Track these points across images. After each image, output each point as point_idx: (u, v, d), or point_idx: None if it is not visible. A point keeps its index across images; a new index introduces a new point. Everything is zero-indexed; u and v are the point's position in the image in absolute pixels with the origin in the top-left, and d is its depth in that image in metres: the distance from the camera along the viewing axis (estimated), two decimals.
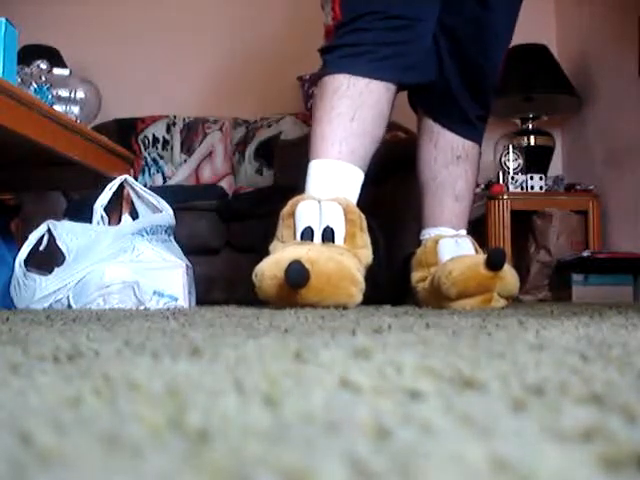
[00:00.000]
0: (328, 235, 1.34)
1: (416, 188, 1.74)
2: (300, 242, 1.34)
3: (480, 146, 1.75)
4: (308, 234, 1.34)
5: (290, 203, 1.39)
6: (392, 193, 2.36)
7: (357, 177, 1.44)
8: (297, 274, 1.19)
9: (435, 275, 1.47)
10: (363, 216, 1.40)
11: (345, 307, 1.25)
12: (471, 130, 1.69)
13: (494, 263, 1.40)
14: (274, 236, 1.40)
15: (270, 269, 1.25)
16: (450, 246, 1.57)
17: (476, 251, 1.58)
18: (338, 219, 1.34)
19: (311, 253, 1.25)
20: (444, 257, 1.54)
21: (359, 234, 1.37)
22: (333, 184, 1.40)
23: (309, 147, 1.45)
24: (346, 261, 1.28)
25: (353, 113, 1.43)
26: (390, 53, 1.46)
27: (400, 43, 1.47)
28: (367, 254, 1.39)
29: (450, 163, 1.67)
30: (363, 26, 1.45)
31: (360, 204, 1.43)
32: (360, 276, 1.30)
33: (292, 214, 1.36)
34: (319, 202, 1.36)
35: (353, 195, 1.42)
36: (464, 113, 1.68)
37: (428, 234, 1.65)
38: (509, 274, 1.45)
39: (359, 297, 1.29)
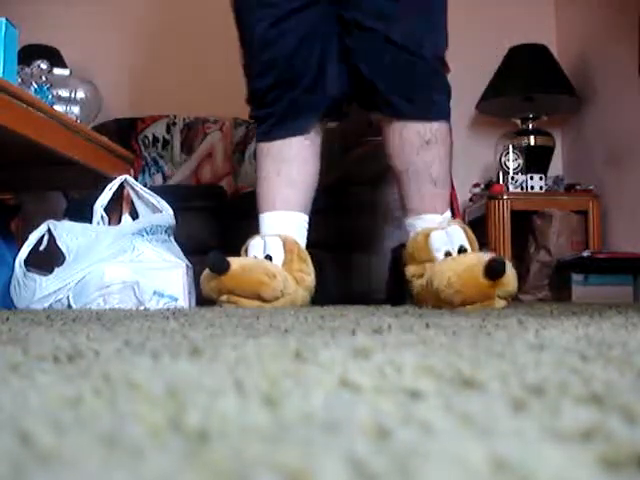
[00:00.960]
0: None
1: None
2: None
3: (448, 122, 1.65)
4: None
5: (247, 243, 1.66)
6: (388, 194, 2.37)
7: (295, 218, 1.68)
8: (218, 261, 1.47)
9: (432, 279, 1.45)
10: (301, 247, 1.62)
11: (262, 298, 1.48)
12: (429, 109, 1.61)
13: (493, 274, 1.39)
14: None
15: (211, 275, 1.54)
16: (441, 239, 1.54)
17: (469, 240, 1.54)
18: (277, 249, 1.59)
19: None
20: (438, 252, 1.52)
21: (296, 260, 1.58)
22: (277, 229, 1.65)
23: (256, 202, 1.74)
24: (271, 267, 1.52)
25: (278, 169, 1.67)
26: (297, 111, 1.66)
27: (303, 101, 1.65)
28: (306, 278, 1.59)
29: (420, 149, 1.61)
30: (267, 101, 1.68)
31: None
32: (277, 271, 1.51)
33: (245, 249, 1.63)
34: (263, 238, 1.63)
35: (297, 234, 1.65)
36: (410, 98, 1.60)
37: (413, 226, 1.63)
38: (509, 276, 1.44)
39: (274, 291, 1.50)
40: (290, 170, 1.67)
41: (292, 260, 1.58)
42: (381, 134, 1.70)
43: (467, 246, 1.53)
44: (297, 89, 1.65)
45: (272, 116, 1.69)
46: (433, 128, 1.61)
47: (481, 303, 1.40)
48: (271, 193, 1.68)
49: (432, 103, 1.62)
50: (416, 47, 1.58)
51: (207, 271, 1.51)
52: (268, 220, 1.68)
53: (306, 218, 1.69)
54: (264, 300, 1.49)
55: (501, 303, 1.44)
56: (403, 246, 1.62)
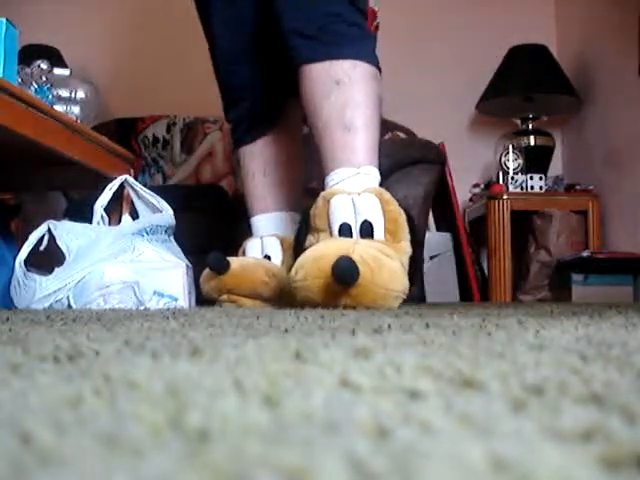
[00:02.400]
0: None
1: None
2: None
3: (367, 62, 1.41)
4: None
5: (243, 244, 1.63)
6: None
7: (289, 219, 1.65)
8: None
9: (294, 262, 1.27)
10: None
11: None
12: (338, 45, 1.39)
13: (341, 279, 1.12)
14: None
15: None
16: (343, 208, 1.26)
17: (387, 217, 1.26)
18: (276, 249, 1.56)
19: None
20: (334, 224, 1.27)
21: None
22: (273, 229, 1.63)
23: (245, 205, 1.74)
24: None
25: (263, 169, 1.68)
26: (259, 112, 1.68)
27: (258, 102, 1.68)
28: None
29: (330, 92, 1.37)
30: (231, 118, 1.76)
31: None
32: (277, 271, 1.45)
33: (243, 251, 1.61)
34: (260, 238, 1.61)
35: (292, 233, 1.53)
36: (315, 33, 1.40)
37: (326, 185, 1.37)
38: (366, 289, 1.14)
39: (274, 290, 1.46)
40: (276, 169, 1.69)
41: (291, 259, 1.51)
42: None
43: (376, 223, 1.24)
44: (264, 93, 1.70)
45: (243, 119, 1.71)
46: (344, 66, 1.37)
47: (324, 307, 1.15)
48: (261, 194, 1.69)
49: (339, 37, 1.39)
50: None
51: (207, 271, 1.51)
52: (263, 222, 1.68)
53: (297, 216, 1.63)
54: (264, 299, 1.49)
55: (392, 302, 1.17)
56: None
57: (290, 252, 1.50)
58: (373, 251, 1.18)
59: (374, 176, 1.35)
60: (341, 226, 1.26)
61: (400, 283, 1.21)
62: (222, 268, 1.47)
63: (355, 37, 1.40)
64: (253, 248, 1.60)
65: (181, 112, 3.27)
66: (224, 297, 1.50)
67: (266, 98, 1.70)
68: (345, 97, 1.37)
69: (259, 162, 1.70)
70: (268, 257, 1.57)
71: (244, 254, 1.61)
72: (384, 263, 1.17)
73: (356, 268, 1.12)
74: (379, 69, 1.45)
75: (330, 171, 1.36)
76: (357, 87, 1.38)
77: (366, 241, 1.23)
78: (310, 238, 1.33)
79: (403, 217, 1.29)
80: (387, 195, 1.29)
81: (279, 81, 1.68)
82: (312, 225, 1.32)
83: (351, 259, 1.12)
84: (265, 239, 1.60)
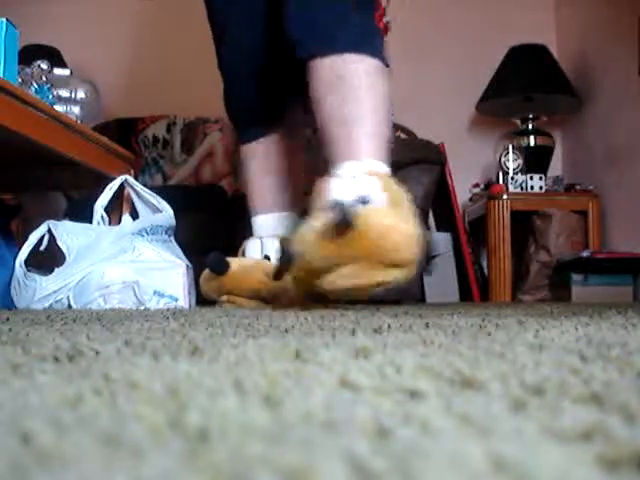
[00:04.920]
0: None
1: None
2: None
3: (374, 57, 1.36)
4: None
5: (243, 244, 1.63)
6: None
7: (290, 220, 1.62)
8: (217, 262, 1.45)
9: None
10: None
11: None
12: (342, 39, 1.35)
13: (341, 225, 1.03)
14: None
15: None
16: (340, 188, 1.19)
17: (391, 197, 1.15)
18: (275, 250, 1.47)
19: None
20: (329, 201, 1.15)
21: None
22: (273, 230, 1.60)
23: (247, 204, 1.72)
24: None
25: (265, 169, 1.66)
26: (259, 113, 1.67)
27: (262, 101, 1.67)
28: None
29: (332, 86, 1.33)
30: (234, 115, 1.74)
31: None
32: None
33: (242, 251, 1.62)
34: (260, 239, 1.60)
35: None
36: (318, 29, 1.37)
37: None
38: (368, 232, 1.03)
39: (274, 290, 1.37)
40: (278, 170, 1.68)
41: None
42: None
43: (372, 198, 1.13)
44: (260, 88, 1.67)
45: (246, 117, 1.71)
46: (347, 61, 1.33)
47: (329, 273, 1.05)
48: (262, 194, 1.69)
49: (344, 32, 1.36)
50: None
51: (207, 271, 1.52)
52: (263, 222, 1.68)
53: (297, 218, 1.61)
54: (263, 300, 1.50)
55: (388, 275, 1.05)
56: None
57: None
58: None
59: (380, 170, 1.25)
60: (334, 204, 1.10)
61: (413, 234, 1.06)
62: (222, 269, 1.48)
63: (361, 32, 1.37)
64: (253, 248, 1.60)
65: (181, 112, 3.27)
66: (224, 298, 1.51)
67: (270, 96, 1.69)
68: (346, 91, 1.32)
69: (261, 161, 1.69)
70: (267, 257, 1.58)
71: (243, 254, 1.61)
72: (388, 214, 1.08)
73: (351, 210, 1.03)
74: (387, 65, 1.38)
75: (333, 165, 1.30)
76: (361, 83, 1.33)
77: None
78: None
79: (408, 201, 1.16)
80: (393, 180, 1.21)
81: (283, 79, 1.67)
82: (311, 210, 1.24)
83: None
84: (265, 240, 1.60)
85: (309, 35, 1.38)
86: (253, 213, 1.70)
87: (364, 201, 1.10)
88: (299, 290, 1.28)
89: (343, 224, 1.02)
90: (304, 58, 1.38)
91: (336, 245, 1.04)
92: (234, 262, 1.51)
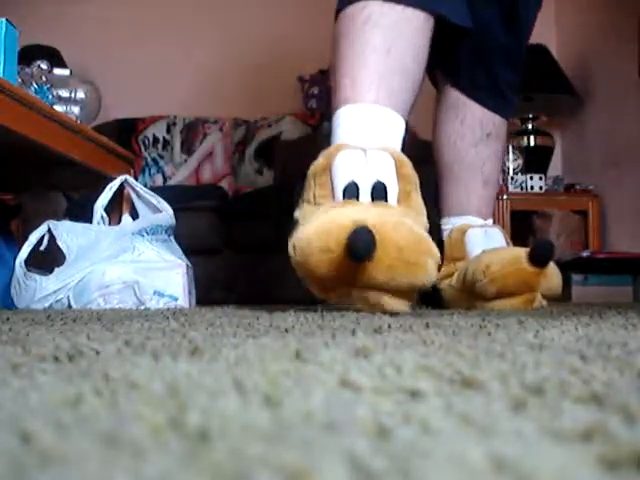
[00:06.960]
0: (379, 193, 1.01)
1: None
2: (345, 202, 1.00)
3: (508, 120, 1.55)
4: (352, 191, 1.01)
5: (325, 154, 1.05)
6: None
7: (399, 126, 1.12)
8: (364, 244, 0.89)
9: (467, 270, 1.27)
10: (416, 174, 1.06)
11: (415, 288, 0.97)
12: (502, 102, 1.50)
13: (540, 258, 1.18)
14: (299, 201, 1.07)
15: (320, 239, 0.93)
16: (479, 237, 1.37)
17: (507, 244, 1.39)
18: (390, 173, 1.02)
19: (372, 214, 0.94)
20: (473, 250, 1.35)
21: (414, 194, 1.04)
22: (374, 132, 1.08)
23: (333, 94, 1.14)
24: (417, 227, 0.97)
25: (389, 45, 1.11)
26: None
27: None
28: (423, 221, 1.04)
29: (479, 142, 1.47)
30: None
31: None
32: (435, 247, 0.97)
33: (328, 169, 1.03)
34: (364, 151, 1.03)
35: (398, 148, 1.10)
36: (494, 79, 1.47)
37: (452, 224, 1.45)
38: (554, 271, 1.25)
39: (435, 274, 0.98)
40: (404, 52, 1.13)
41: (410, 195, 1.03)
42: (437, 120, 1.52)
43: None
44: None
45: None
46: (496, 122, 1.48)
47: (522, 296, 1.21)
48: (372, 77, 1.11)
49: (510, 94, 1.50)
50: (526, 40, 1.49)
51: (317, 243, 0.95)
52: (361, 114, 1.09)
53: (404, 129, 1.15)
54: (412, 292, 1.01)
55: (543, 303, 1.23)
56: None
57: (410, 185, 1.05)
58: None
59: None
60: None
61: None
62: (369, 252, 0.91)
63: (509, 97, 1.49)
64: (352, 166, 1.02)
65: (181, 112, 3.28)
66: (356, 293, 1.00)
67: None
68: (489, 151, 1.48)
69: (389, 35, 1.12)
70: (382, 185, 1.02)
71: (329, 173, 1.03)
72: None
73: (552, 245, 1.15)
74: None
75: (457, 214, 1.44)
76: (501, 144, 1.52)
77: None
78: (442, 269, 1.23)
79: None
80: (500, 227, 1.39)
81: None
82: (446, 256, 1.30)
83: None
84: (371, 153, 1.04)
85: (494, 83, 1.47)
86: (350, 99, 1.11)
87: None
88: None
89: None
90: (467, 96, 1.48)
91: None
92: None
